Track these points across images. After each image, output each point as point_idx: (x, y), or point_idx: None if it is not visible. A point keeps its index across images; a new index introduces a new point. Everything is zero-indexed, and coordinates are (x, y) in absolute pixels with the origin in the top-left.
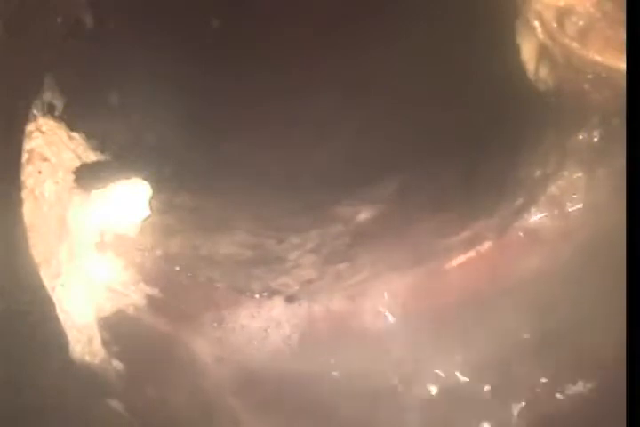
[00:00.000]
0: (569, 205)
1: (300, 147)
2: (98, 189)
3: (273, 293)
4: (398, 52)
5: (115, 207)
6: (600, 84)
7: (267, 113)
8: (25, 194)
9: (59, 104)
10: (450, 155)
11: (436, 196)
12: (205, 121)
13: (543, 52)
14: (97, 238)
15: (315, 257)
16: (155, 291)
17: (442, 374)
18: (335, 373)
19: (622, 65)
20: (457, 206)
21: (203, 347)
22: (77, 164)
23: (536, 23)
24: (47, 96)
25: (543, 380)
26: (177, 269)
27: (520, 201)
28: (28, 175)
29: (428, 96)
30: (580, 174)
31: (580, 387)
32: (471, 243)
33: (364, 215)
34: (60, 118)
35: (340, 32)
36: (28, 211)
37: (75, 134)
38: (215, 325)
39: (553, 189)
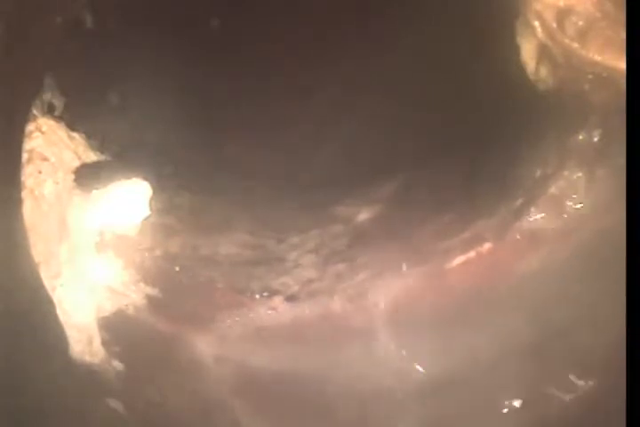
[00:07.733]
0: (569, 205)
1: (299, 147)
2: (98, 189)
3: (273, 293)
4: (398, 51)
5: (115, 207)
6: (600, 84)
7: (267, 113)
8: (25, 194)
9: (59, 104)
10: (450, 155)
11: (436, 196)
12: (205, 121)
13: (543, 52)
14: (97, 238)
15: (315, 257)
16: (155, 291)
17: (442, 374)
18: (335, 373)
19: (622, 65)
20: (457, 207)
21: (203, 347)
22: (77, 164)
23: (536, 23)
24: (47, 96)
25: (543, 380)
26: (177, 269)
27: (520, 201)
28: (28, 175)
29: (428, 96)
30: (579, 174)
31: (580, 387)
32: (471, 243)
33: (363, 215)
34: (59, 118)
35: (339, 32)
36: (28, 211)
37: (75, 134)
38: (215, 325)
39: (553, 189)
